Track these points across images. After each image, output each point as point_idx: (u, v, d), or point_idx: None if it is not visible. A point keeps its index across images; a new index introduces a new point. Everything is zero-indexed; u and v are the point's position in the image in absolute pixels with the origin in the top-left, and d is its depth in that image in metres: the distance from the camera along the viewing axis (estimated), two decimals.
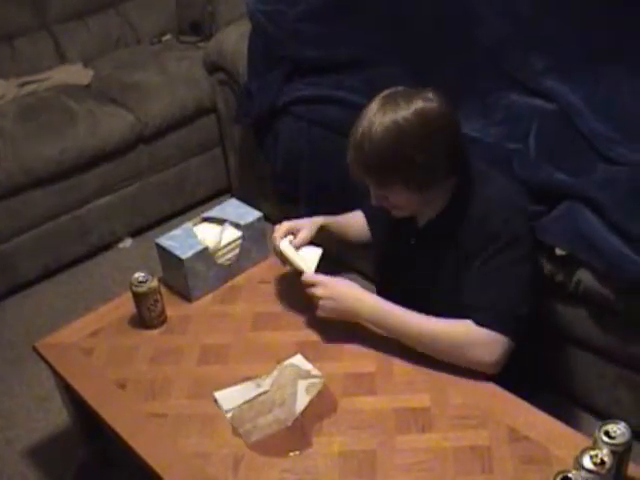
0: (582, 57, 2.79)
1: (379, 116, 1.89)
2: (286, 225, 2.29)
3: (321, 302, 2.09)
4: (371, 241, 2.42)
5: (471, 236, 1.99)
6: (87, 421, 2.34)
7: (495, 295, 1.95)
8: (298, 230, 2.28)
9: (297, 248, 2.25)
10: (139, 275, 2.27)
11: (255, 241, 2.47)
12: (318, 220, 2.33)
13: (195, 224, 2.49)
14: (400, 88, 1.95)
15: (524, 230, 2.03)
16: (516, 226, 1.99)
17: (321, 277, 2.13)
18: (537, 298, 2.02)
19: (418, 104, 1.88)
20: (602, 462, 1.57)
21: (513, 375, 1.97)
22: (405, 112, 1.87)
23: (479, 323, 1.93)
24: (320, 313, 2.12)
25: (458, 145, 1.98)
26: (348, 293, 2.09)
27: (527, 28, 2.92)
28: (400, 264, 2.23)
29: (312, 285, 2.12)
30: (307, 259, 2.23)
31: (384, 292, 2.22)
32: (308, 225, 2.30)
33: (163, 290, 2.35)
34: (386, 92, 1.95)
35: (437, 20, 3.12)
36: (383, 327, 2.07)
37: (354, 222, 2.44)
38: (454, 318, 1.98)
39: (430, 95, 1.91)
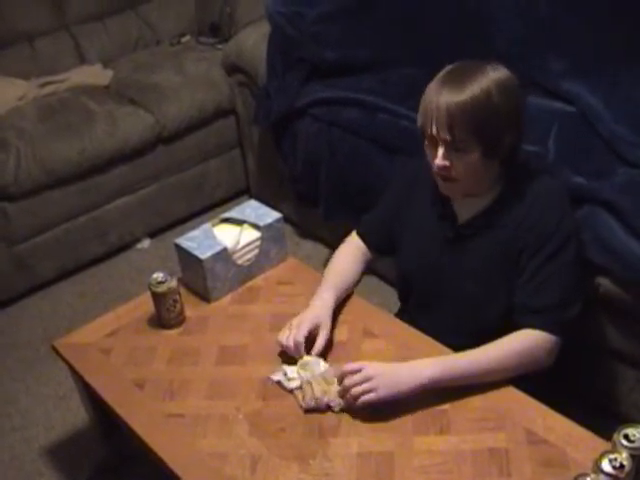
0: (601, 58, 2.78)
1: (492, 73, 1.92)
2: (306, 325, 2.06)
3: (371, 384, 1.84)
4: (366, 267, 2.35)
5: (524, 234, 1.97)
6: (105, 420, 2.36)
7: (554, 298, 1.95)
8: (317, 327, 2.09)
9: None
10: (158, 275, 2.28)
11: (274, 242, 2.47)
12: (330, 304, 2.16)
13: (214, 225, 2.50)
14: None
15: (574, 230, 2.02)
16: (569, 225, 1.99)
17: (357, 364, 1.88)
18: (584, 297, 2.03)
19: (503, 71, 1.95)
20: (621, 466, 1.56)
21: (532, 378, 1.97)
22: (501, 74, 1.93)
23: (538, 326, 1.93)
24: (373, 397, 1.85)
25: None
26: (396, 365, 1.92)
27: (544, 29, 2.92)
28: (443, 267, 2.12)
29: (351, 374, 1.87)
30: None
31: (424, 299, 2.21)
32: (325, 321, 2.11)
33: (182, 290, 2.35)
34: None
35: (454, 22, 3.13)
36: (452, 377, 1.90)
37: (349, 268, 2.30)
38: (503, 317, 2.00)
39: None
